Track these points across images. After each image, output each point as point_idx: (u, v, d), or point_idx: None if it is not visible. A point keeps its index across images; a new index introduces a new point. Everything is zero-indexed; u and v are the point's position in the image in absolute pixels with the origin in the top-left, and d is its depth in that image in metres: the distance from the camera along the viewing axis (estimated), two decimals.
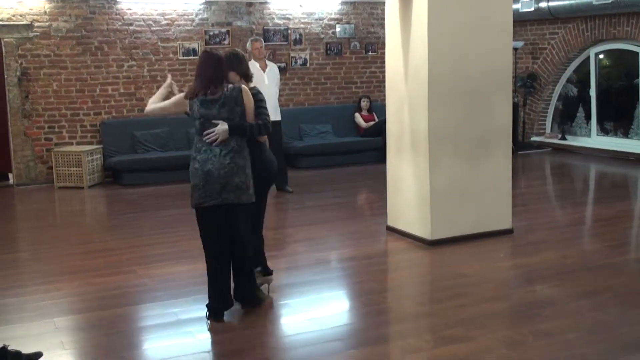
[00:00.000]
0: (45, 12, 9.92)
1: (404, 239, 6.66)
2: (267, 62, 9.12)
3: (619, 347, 4.16)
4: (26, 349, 4.19)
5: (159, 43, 10.60)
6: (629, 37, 10.88)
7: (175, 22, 10.68)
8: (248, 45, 9.12)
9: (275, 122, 9.03)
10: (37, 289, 5.48)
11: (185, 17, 10.73)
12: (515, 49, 11.72)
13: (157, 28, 10.58)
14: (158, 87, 10.49)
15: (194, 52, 10.71)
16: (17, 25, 9.80)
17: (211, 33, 10.89)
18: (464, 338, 4.31)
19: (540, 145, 12.41)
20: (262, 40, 9.29)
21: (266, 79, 8.87)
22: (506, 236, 6.63)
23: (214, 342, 4.48)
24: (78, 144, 10.27)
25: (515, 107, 11.62)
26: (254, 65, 8.94)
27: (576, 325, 4.52)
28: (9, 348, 3.80)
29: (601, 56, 11.86)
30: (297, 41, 11.54)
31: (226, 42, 10.97)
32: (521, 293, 5.26)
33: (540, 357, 4.04)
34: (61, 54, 10.08)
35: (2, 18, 9.70)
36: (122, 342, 4.43)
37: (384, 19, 7.02)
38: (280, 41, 11.42)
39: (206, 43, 10.83)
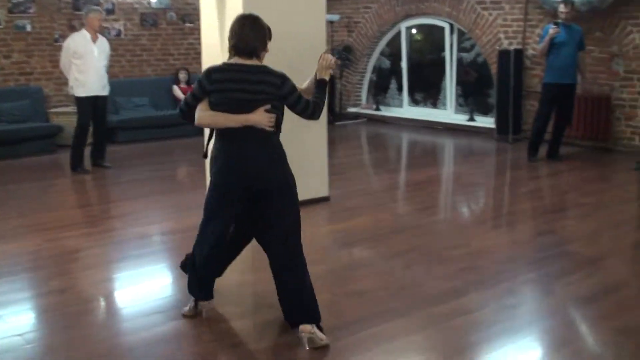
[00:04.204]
0: None
1: None
2: (98, 34, 8.66)
3: (425, 301, 4.45)
4: None
5: None
6: (436, 13, 11.48)
7: None
8: (88, 14, 8.49)
9: (103, 97, 8.70)
10: None
11: None
12: (331, 22, 12.04)
13: None
14: None
15: None
16: None
17: (15, 1, 10.22)
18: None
19: (357, 116, 12.85)
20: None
21: (96, 51, 8.48)
22: (323, 203, 6.85)
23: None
24: None
25: (331, 79, 11.92)
26: (84, 36, 8.45)
27: (387, 283, 4.78)
28: None
29: (413, 31, 12.44)
30: (110, 11, 11.10)
31: (32, 10, 10.34)
32: (337, 256, 5.47)
33: (353, 315, 4.22)
34: None
35: None
36: None
37: None
38: None
39: (9, 12, 10.16)
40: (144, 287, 4.88)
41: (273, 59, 6.28)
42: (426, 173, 8.53)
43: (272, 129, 3.84)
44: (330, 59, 4.07)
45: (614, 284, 4.77)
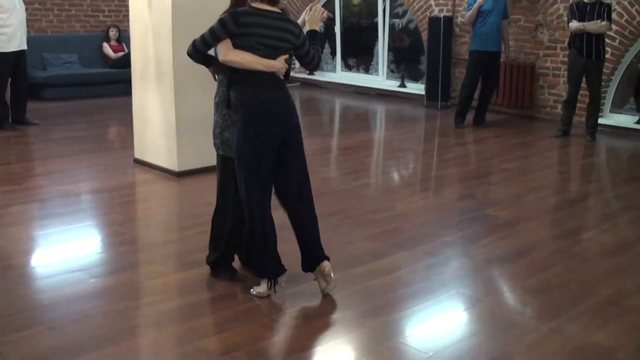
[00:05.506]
0: None
1: (151, 170, 6.66)
2: None
3: (345, 262, 4.55)
4: None
5: None
6: None
7: None
8: None
9: (24, 52, 8.47)
10: None
11: None
12: None
13: None
14: None
15: None
16: None
17: None
18: (204, 262, 4.45)
19: (290, 80, 12.81)
20: None
21: (17, 3, 8.23)
22: None
23: None
24: None
25: None
26: None
27: None
28: None
29: None
30: None
31: None
32: None
33: None
34: None
35: None
36: None
37: None
38: None
39: None
40: (67, 245, 4.86)
41: (201, 11, 6.25)
42: (357, 138, 8.64)
43: (282, 77, 3.91)
44: (322, 10, 4.13)
45: (528, 246, 4.98)
